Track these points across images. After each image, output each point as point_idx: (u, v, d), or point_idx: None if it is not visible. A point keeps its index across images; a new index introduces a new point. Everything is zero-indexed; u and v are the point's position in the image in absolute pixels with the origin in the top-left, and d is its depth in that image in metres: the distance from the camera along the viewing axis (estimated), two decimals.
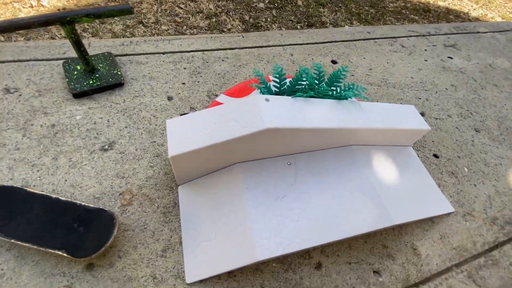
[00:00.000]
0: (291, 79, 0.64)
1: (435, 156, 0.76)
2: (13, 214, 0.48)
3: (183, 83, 0.78)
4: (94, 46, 0.81)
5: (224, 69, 0.84)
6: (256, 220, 0.51)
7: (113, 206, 0.55)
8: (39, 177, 0.56)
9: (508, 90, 0.99)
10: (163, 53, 0.84)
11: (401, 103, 0.78)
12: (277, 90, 0.64)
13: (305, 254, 0.56)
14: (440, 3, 4.00)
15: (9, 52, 0.74)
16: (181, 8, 3.40)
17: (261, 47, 0.93)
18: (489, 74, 1.03)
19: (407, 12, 3.69)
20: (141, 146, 0.64)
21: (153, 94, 0.74)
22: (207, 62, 0.84)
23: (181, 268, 0.51)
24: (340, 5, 3.69)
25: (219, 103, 0.72)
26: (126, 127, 0.67)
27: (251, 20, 3.32)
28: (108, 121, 0.67)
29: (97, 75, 0.71)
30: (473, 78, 1.00)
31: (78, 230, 0.48)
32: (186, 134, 0.51)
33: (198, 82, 0.79)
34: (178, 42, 0.88)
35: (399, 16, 3.56)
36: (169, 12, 3.20)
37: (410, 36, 1.11)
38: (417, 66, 0.99)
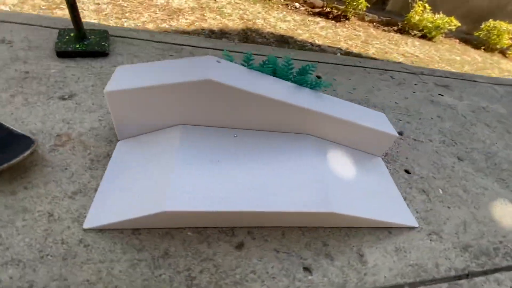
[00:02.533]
0: (259, 64, 0.65)
1: (407, 171, 0.69)
2: None
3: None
4: (101, 26, 0.89)
5: None
6: (178, 175, 0.47)
7: (45, 143, 0.53)
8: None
9: (499, 131, 0.93)
10: (156, 42, 0.90)
11: None
12: None
13: (229, 231, 0.49)
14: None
15: (22, 18, 0.84)
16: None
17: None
18: (482, 114, 1.00)
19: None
20: (99, 102, 0.65)
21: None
22: (193, 55, 0.89)
23: (85, 213, 0.46)
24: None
25: None
26: (93, 85, 0.69)
27: None
28: (79, 78, 0.69)
29: (86, 43, 0.77)
30: (463, 115, 0.97)
31: None
32: (129, 77, 0.51)
33: None
34: (174, 36, 0.95)
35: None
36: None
37: (402, 71, 1.13)
38: (404, 95, 0.98)
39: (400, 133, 0.80)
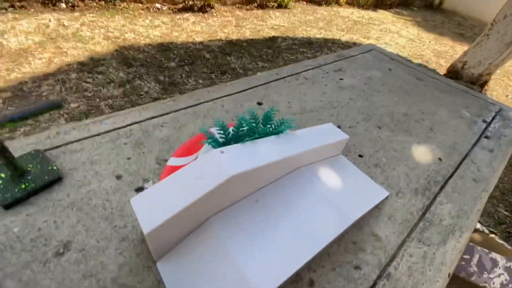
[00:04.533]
0: (232, 127, 0.73)
1: (360, 156, 0.93)
2: None
3: (129, 158, 0.78)
4: (14, 147, 0.74)
5: (166, 134, 0.87)
6: (246, 264, 0.54)
7: None
8: None
9: (387, 93, 1.30)
10: (98, 135, 0.82)
11: (320, 123, 0.95)
12: (224, 140, 0.72)
13: (297, 277, 0.60)
14: (318, 36, 4.93)
15: None
16: (88, 82, 3.27)
17: (194, 105, 1.01)
18: (371, 84, 1.35)
19: (297, 47, 4.41)
20: (102, 235, 0.60)
21: (99, 178, 0.71)
22: (146, 132, 0.87)
23: None
24: (243, 51, 4.17)
25: (171, 166, 0.74)
26: (78, 221, 0.62)
27: (166, 79, 3.43)
28: (55, 222, 0.61)
29: (29, 177, 0.65)
30: (362, 90, 1.29)
31: None
32: (155, 206, 0.52)
33: (143, 153, 0.80)
34: (110, 120, 0.88)
35: (291, 51, 4.22)
36: (76, 89, 3.03)
37: (308, 70, 1.37)
38: (322, 91, 1.23)
39: (339, 127, 1.04)
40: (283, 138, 0.73)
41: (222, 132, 0.73)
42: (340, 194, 0.73)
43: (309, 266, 0.62)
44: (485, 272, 1.23)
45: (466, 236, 0.76)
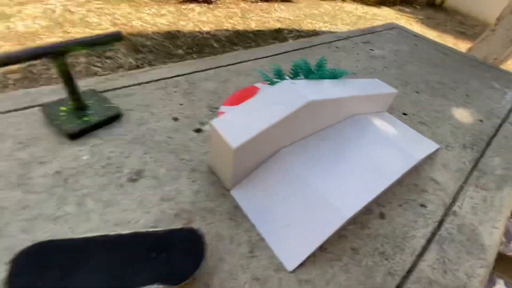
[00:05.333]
0: (289, 72, 0.72)
1: (404, 114, 0.94)
2: (70, 270, 0.37)
3: (181, 104, 0.77)
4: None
5: (212, 86, 0.86)
6: (324, 187, 0.53)
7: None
8: (71, 228, 0.45)
9: (417, 64, 1.31)
10: (147, 83, 0.81)
11: None
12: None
13: (367, 210, 0.60)
14: (324, 29, 4.92)
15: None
16: (98, 66, 3.23)
17: (234, 64, 1.00)
18: (400, 56, 1.36)
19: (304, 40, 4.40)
20: (172, 166, 0.59)
21: (156, 119, 0.70)
22: (193, 83, 0.86)
23: (276, 260, 0.48)
24: (250, 41, 4.15)
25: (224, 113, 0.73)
26: (145, 153, 0.61)
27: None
28: (122, 153, 0.60)
29: (90, 111, 0.64)
30: (393, 59, 1.30)
31: (159, 258, 0.41)
32: (238, 126, 0.51)
33: (193, 100, 0.79)
34: (156, 72, 0.87)
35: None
36: (85, 73, 3.00)
37: (338, 40, 1.37)
38: (355, 59, 1.23)
39: None
40: (340, 82, 0.72)
41: (278, 76, 0.72)
42: (398, 139, 0.73)
43: (377, 202, 0.62)
44: None
45: None
